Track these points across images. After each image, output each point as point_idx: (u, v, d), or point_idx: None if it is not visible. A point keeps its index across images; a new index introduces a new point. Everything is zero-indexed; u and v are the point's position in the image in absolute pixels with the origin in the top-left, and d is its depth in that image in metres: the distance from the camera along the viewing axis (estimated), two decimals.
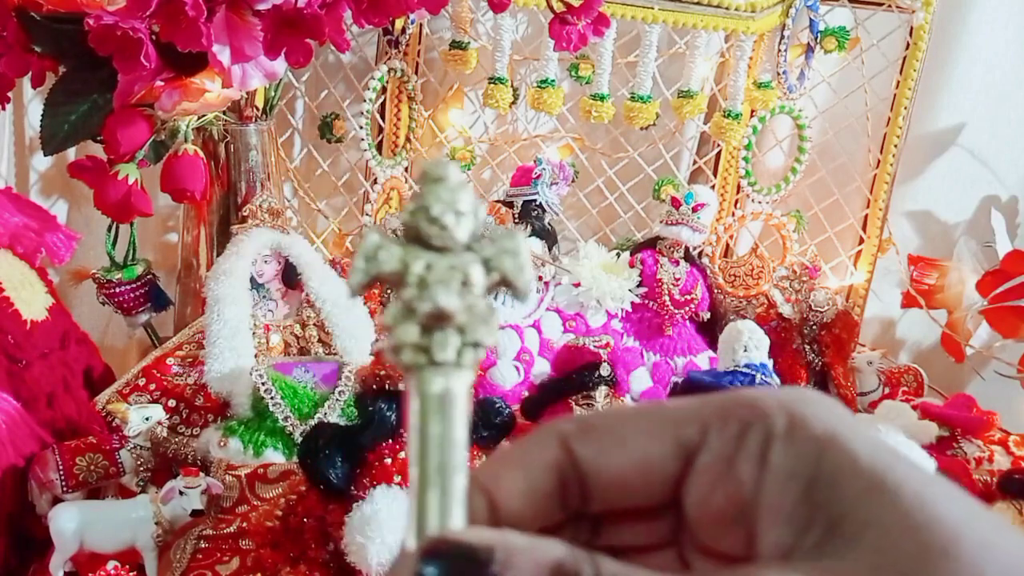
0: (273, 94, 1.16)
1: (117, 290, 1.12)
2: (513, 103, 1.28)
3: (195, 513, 0.80)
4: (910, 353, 1.51)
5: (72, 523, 0.78)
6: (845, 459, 0.23)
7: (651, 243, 1.26)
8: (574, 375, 1.00)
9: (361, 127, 1.28)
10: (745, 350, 1.02)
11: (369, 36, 1.33)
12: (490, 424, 0.79)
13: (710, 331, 1.23)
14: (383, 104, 1.33)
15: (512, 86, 1.26)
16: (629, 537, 0.26)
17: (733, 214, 1.38)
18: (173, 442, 0.94)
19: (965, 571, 0.21)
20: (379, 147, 1.34)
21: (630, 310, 1.23)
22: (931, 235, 1.48)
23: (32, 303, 0.91)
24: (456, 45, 1.26)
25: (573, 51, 1.01)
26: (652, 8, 1.17)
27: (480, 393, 1.07)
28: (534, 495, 0.25)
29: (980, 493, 0.96)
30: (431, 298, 0.23)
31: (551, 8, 0.99)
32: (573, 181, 1.31)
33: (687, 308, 1.22)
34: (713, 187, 1.37)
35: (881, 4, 1.28)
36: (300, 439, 0.89)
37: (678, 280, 1.23)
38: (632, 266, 1.24)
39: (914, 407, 1.05)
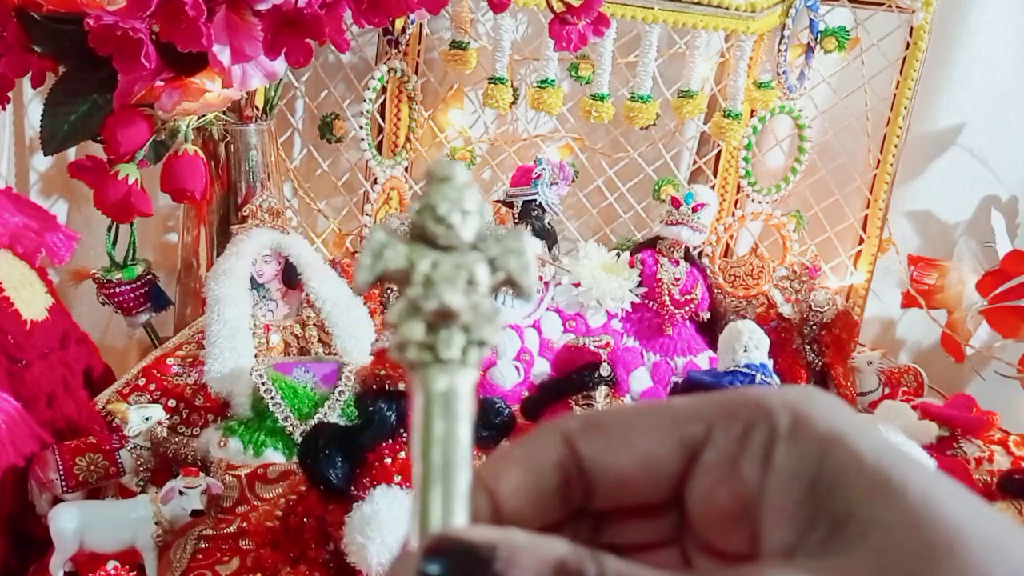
0: (273, 94, 1.16)
1: (117, 290, 1.12)
2: (513, 103, 1.28)
3: (195, 513, 0.80)
4: (910, 353, 1.51)
5: (72, 523, 0.78)
6: (850, 458, 0.23)
7: (651, 243, 1.26)
8: (574, 375, 1.00)
9: (361, 127, 1.28)
10: (745, 350, 1.02)
11: (369, 36, 1.33)
12: (490, 424, 0.79)
13: (710, 331, 1.23)
14: (383, 104, 1.33)
15: (512, 86, 1.26)
16: (631, 534, 0.26)
17: (733, 214, 1.38)
18: (173, 442, 0.94)
19: (971, 570, 0.21)
20: (379, 147, 1.34)
21: (630, 310, 1.23)
22: (931, 235, 1.48)
23: (32, 303, 0.91)
24: (456, 45, 1.26)
25: (573, 51, 1.01)
26: (652, 8, 1.17)
27: (480, 393, 1.07)
28: (537, 493, 0.25)
29: (980, 493, 0.96)
30: (437, 296, 0.23)
31: (551, 8, 0.99)
32: (573, 181, 1.31)
33: (687, 308, 1.22)
34: (713, 187, 1.37)
35: (881, 4, 1.28)
36: (300, 439, 0.89)
37: (678, 280, 1.23)
38: (632, 266, 1.24)
39: (914, 407, 1.05)
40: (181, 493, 0.80)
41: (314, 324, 1.07)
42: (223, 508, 0.85)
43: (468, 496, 0.23)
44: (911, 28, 1.28)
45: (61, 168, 1.21)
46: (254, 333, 1.02)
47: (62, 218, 1.17)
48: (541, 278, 1.21)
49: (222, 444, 0.92)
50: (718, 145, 1.41)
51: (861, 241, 1.37)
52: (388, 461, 0.75)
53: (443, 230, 0.23)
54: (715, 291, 1.29)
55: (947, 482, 0.23)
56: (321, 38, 0.86)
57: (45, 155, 0.95)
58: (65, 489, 0.84)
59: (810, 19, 1.29)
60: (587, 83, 1.33)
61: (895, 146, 1.31)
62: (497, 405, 0.81)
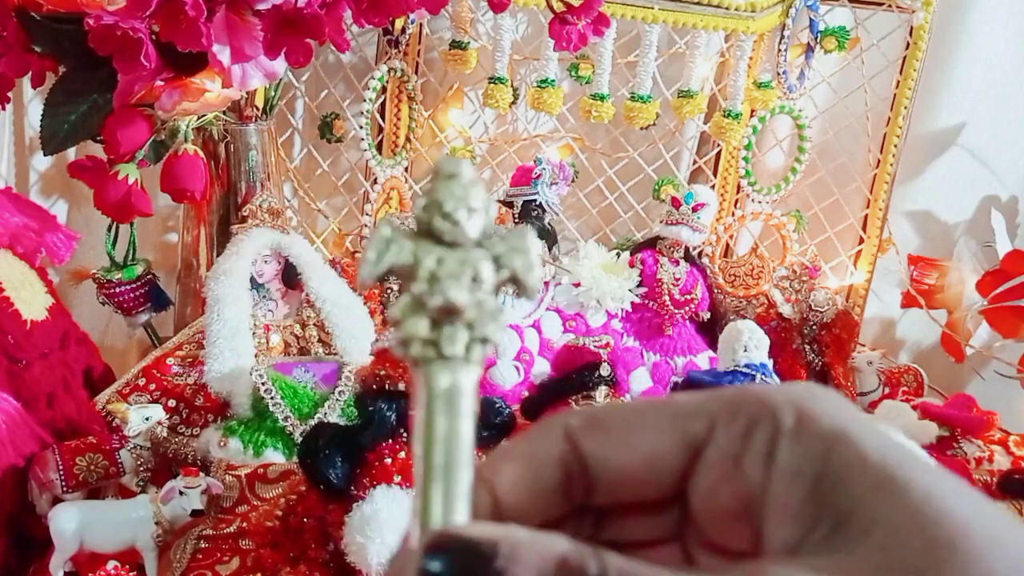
0: (273, 94, 1.16)
1: (117, 290, 1.12)
2: (513, 103, 1.28)
3: (195, 513, 0.80)
4: (910, 353, 1.51)
5: (72, 523, 0.78)
6: (853, 456, 0.23)
7: (651, 243, 1.26)
8: (574, 375, 1.00)
9: (361, 127, 1.28)
10: (745, 350, 1.02)
11: (369, 36, 1.33)
12: (490, 424, 0.79)
13: (710, 331, 1.23)
14: (383, 104, 1.33)
15: (512, 86, 1.26)
16: (633, 531, 0.26)
17: (733, 214, 1.38)
18: (173, 442, 0.94)
19: (974, 566, 0.21)
20: (379, 147, 1.34)
21: (630, 310, 1.23)
22: (931, 235, 1.48)
23: (32, 303, 0.91)
24: (456, 45, 1.25)
25: (573, 51, 1.01)
26: (652, 8, 1.17)
27: (480, 393, 1.07)
28: (538, 489, 0.25)
29: None
30: (442, 292, 0.23)
31: (551, 8, 0.99)
32: (573, 181, 1.31)
33: (687, 308, 1.22)
34: (713, 187, 1.37)
35: (881, 4, 1.28)
36: (300, 439, 0.89)
37: (678, 280, 1.23)
38: (632, 266, 1.24)
39: (914, 407, 1.05)
40: (181, 493, 0.80)
41: (314, 324, 1.07)
42: (223, 508, 0.85)
43: (469, 494, 0.23)
44: (911, 28, 1.28)
45: (61, 168, 1.21)
46: (254, 333, 1.02)
47: (62, 218, 1.17)
48: (541, 281, 1.21)
49: (222, 444, 0.92)
50: (718, 145, 1.40)
51: (861, 241, 1.37)
52: (388, 461, 0.75)
53: (449, 227, 0.23)
54: (715, 291, 1.29)
55: (950, 479, 0.23)
56: (321, 38, 0.86)
57: (45, 155, 0.95)
58: (65, 489, 0.84)
59: (810, 19, 1.29)
60: (587, 83, 1.32)
61: (895, 146, 1.31)
62: (497, 405, 0.81)
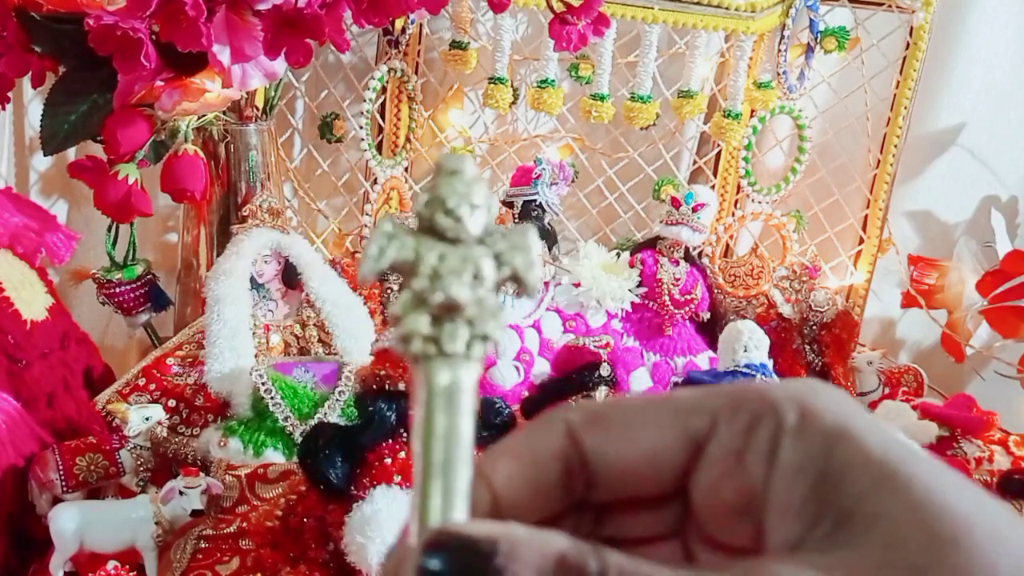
0: (273, 94, 1.16)
1: (117, 290, 1.12)
2: (513, 103, 1.28)
3: (195, 513, 0.80)
4: (910, 353, 1.51)
5: (72, 523, 0.78)
6: (856, 452, 0.23)
7: (651, 243, 1.26)
8: (574, 375, 1.00)
9: (361, 127, 1.28)
10: (745, 350, 1.02)
11: (369, 36, 1.33)
12: (490, 424, 0.79)
13: (710, 331, 1.23)
14: (383, 104, 1.33)
15: (512, 86, 1.26)
16: (633, 528, 0.26)
17: (733, 214, 1.38)
18: (173, 442, 0.94)
19: (977, 562, 0.21)
20: (379, 147, 1.34)
21: (630, 310, 1.23)
22: (931, 235, 1.48)
23: (32, 303, 0.91)
24: (456, 45, 1.26)
25: (573, 51, 1.01)
26: (652, 8, 1.17)
27: (480, 393, 1.07)
28: (537, 484, 0.25)
29: None
30: (443, 289, 0.23)
31: (551, 8, 0.99)
32: (573, 181, 1.31)
33: (687, 308, 1.22)
34: (713, 187, 1.37)
35: (881, 4, 1.28)
36: (300, 439, 0.89)
37: (678, 280, 1.23)
38: (632, 266, 1.24)
39: (914, 407, 1.05)
40: (181, 493, 0.80)
41: (314, 324, 1.07)
42: (223, 508, 0.85)
43: (469, 491, 0.23)
44: (911, 28, 1.27)
45: (61, 168, 1.21)
46: (254, 333, 1.02)
47: (62, 218, 1.17)
48: (542, 280, 1.21)
49: (222, 444, 0.92)
50: (718, 145, 1.40)
51: (861, 241, 1.37)
52: (388, 461, 0.75)
53: (451, 223, 0.23)
54: (715, 291, 1.29)
55: (952, 475, 0.23)
56: (321, 38, 0.86)
57: (45, 155, 0.95)
58: (65, 489, 0.84)
59: (810, 19, 1.29)
60: (587, 83, 1.32)
61: (895, 146, 1.31)
62: (497, 405, 0.81)
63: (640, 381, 1.17)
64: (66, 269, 1.13)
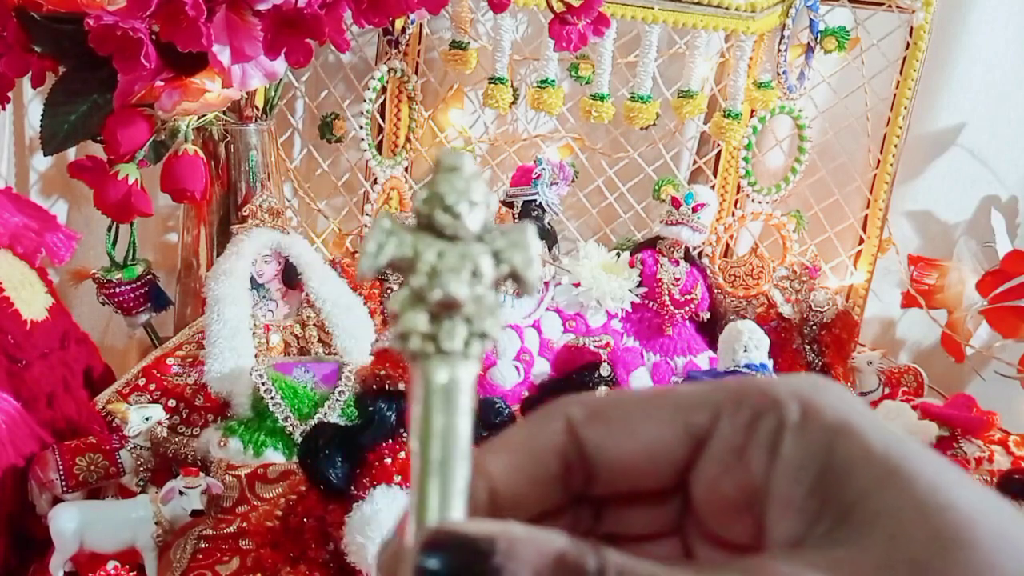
0: (273, 94, 1.16)
1: (117, 290, 1.12)
2: (513, 103, 1.28)
3: (195, 513, 0.80)
4: (910, 353, 1.51)
5: (72, 523, 0.78)
6: (858, 449, 0.22)
7: (651, 243, 1.26)
8: (574, 375, 1.00)
9: (361, 127, 1.28)
10: (745, 350, 1.02)
11: (369, 36, 1.33)
12: (490, 424, 0.79)
13: (710, 331, 1.23)
14: (383, 104, 1.33)
15: (512, 86, 1.26)
16: (632, 524, 0.26)
17: (733, 214, 1.38)
18: (173, 442, 0.94)
19: (980, 558, 0.21)
20: (379, 147, 1.34)
21: (630, 310, 1.23)
22: (931, 235, 1.48)
23: (32, 303, 0.91)
24: (456, 45, 1.25)
25: (573, 51, 1.01)
26: (652, 8, 1.17)
27: (480, 393, 1.07)
28: (536, 479, 0.25)
29: None
30: (442, 286, 0.23)
31: (551, 8, 0.99)
32: (573, 181, 1.31)
33: (687, 308, 1.22)
34: (713, 187, 1.37)
35: (881, 4, 1.28)
36: (300, 439, 0.89)
37: (678, 280, 1.23)
38: (632, 266, 1.24)
39: (914, 407, 1.05)
40: (181, 493, 0.80)
41: (314, 324, 1.07)
42: (223, 508, 0.85)
43: (467, 490, 0.23)
44: (911, 28, 1.27)
45: (61, 168, 1.21)
46: (254, 333, 1.02)
47: (62, 218, 1.17)
48: (541, 278, 1.21)
49: (222, 444, 0.92)
50: (718, 145, 1.40)
51: (861, 241, 1.37)
52: (388, 461, 0.75)
53: (450, 220, 0.23)
54: (715, 291, 1.29)
55: (956, 471, 0.22)
56: (321, 38, 0.86)
57: (45, 155, 0.95)
58: (65, 489, 0.84)
59: (810, 19, 1.29)
60: (587, 83, 1.32)
61: (895, 146, 1.31)
62: (497, 405, 0.81)
63: (640, 381, 1.17)
64: (66, 269, 1.13)
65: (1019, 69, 1.40)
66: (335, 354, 1.04)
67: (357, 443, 0.75)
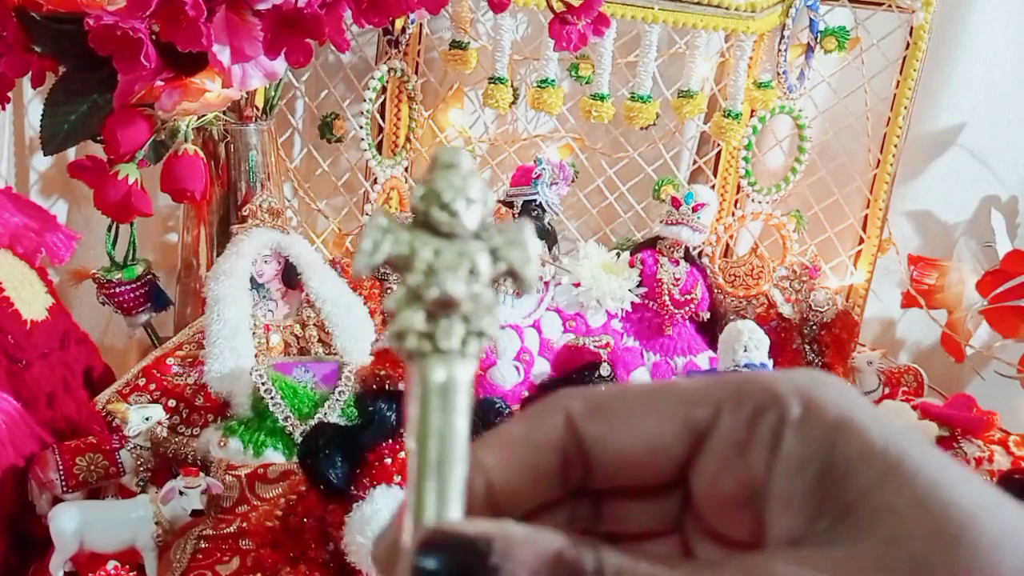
0: (273, 94, 1.16)
1: (117, 290, 1.12)
2: (513, 103, 1.28)
3: (195, 513, 0.80)
4: (910, 353, 1.51)
5: (72, 523, 0.78)
6: (860, 445, 0.22)
7: (651, 243, 1.26)
8: (574, 375, 1.00)
9: (361, 127, 1.28)
10: (745, 350, 1.02)
11: (369, 36, 1.33)
12: (490, 424, 0.79)
13: (710, 331, 1.23)
14: (383, 104, 1.33)
15: (512, 86, 1.26)
16: (631, 521, 0.26)
17: (733, 214, 1.38)
18: (173, 442, 0.94)
19: (981, 557, 0.20)
20: (379, 147, 1.34)
21: (630, 310, 1.23)
22: (931, 235, 1.48)
23: (32, 303, 0.91)
24: (456, 45, 1.25)
25: (573, 51, 1.01)
26: (652, 8, 1.17)
27: (480, 393, 1.07)
28: (534, 472, 0.24)
29: None
30: (439, 284, 0.22)
31: (551, 8, 0.99)
32: (573, 181, 1.31)
33: (687, 308, 1.22)
34: (713, 187, 1.37)
35: (881, 4, 1.28)
36: (300, 439, 0.89)
37: (678, 280, 1.23)
38: (632, 266, 1.24)
39: (914, 407, 1.05)
40: (181, 493, 0.80)
41: (314, 324, 1.07)
42: (223, 508, 0.85)
43: (464, 489, 0.23)
44: (911, 28, 1.27)
45: (61, 168, 1.21)
46: (254, 333, 1.02)
47: (62, 218, 1.17)
48: (541, 278, 1.21)
49: (222, 444, 0.92)
50: (718, 145, 1.40)
51: (861, 241, 1.37)
52: (388, 461, 0.75)
53: (447, 217, 0.23)
54: (715, 291, 1.29)
55: (958, 468, 0.22)
56: (321, 38, 0.86)
57: (45, 155, 0.95)
58: (65, 489, 0.84)
59: (810, 19, 1.29)
60: (587, 83, 1.32)
61: (895, 146, 1.31)
62: (497, 405, 0.81)
63: (640, 381, 1.17)
64: (66, 269, 1.13)
65: (1019, 69, 1.40)
66: (335, 354, 1.04)
67: (357, 443, 0.75)
